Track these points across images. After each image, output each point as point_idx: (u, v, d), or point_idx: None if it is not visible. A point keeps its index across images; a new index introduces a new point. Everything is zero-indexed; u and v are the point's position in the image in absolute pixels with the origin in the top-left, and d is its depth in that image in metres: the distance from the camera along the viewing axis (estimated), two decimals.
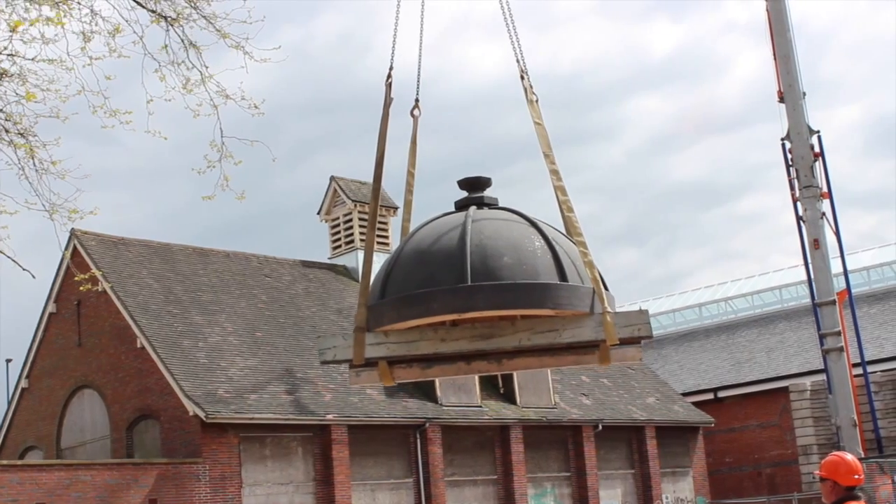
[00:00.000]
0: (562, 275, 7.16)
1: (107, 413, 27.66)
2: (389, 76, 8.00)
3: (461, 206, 7.85)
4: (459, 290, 7.00)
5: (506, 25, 8.25)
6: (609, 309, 7.14)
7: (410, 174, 8.19)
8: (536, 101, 7.94)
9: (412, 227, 7.97)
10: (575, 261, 7.31)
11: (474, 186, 7.99)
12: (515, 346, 7.24)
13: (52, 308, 29.64)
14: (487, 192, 8.05)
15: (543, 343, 7.23)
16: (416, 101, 8.28)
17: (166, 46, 12.58)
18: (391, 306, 7.26)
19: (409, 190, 8.17)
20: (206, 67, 12.59)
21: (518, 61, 8.04)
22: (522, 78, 8.01)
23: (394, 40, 8.27)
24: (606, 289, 7.33)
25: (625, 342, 7.23)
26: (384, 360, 7.39)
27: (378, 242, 33.95)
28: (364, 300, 7.38)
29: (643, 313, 7.15)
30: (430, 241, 7.41)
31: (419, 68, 8.45)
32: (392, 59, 8.10)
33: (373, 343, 7.32)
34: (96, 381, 28.08)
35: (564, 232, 7.69)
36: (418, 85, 8.38)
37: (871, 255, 43.43)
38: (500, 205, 7.86)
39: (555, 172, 7.62)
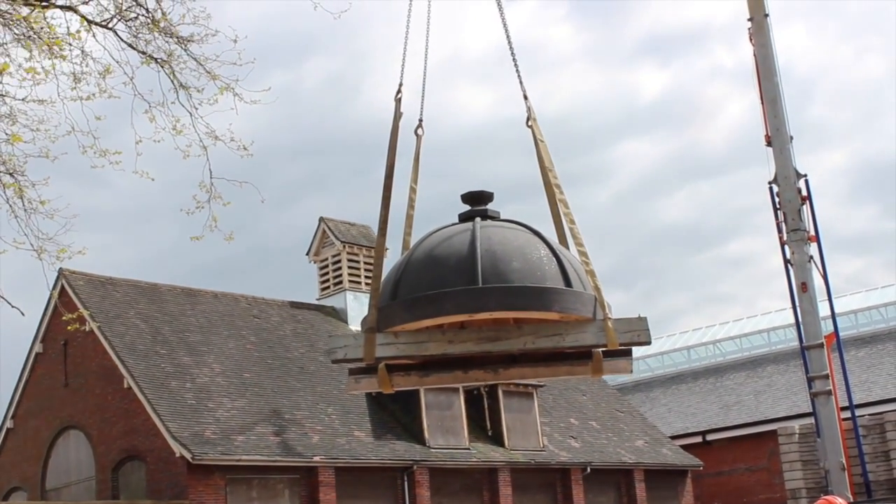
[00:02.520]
0: (567, 281, 7.49)
1: (92, 454, 27.48)
2: (399, 91, 8.43)
3: (465, 218, 8.18)
4: (472, 292, 7.27)
5: (508, 45, 8.69)
6: (610, 315, 7.49)
7: (413, 189, 8.55)
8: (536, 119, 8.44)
9: (412, 240, 8.35)
10: (577, 269, 7.68)
11: (477, 200, 8.33)
12: (521, 348, 7.51)
13: (38, 348, 29.50)
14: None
15: (548, 346, 7.50)
16: (420, 120, 8.72)
17: (154, 90, 12.64)
18: (403, 307, 7.52)
19: (410, 205, 8.53)
20: (196, 109, 12.65)
21: (520, 83, 8.50)
22: (525, 98, 8.48)
23: (404, 56, 8.68)
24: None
25: (616, 354, 7.57)
26: (393, 360, 7.65)
27: (367, 284, 33.92)
28: (375, 301, 7.67)
29: (642, 320, 7.50)
30: (440, 246, 7.70)
31: (423, 88, 8.89)
32: (402, 74, 8.53)
33: (383, 343, 7.55)
34: (82, 422, 27.92)
35: (567, 242, 8.14)
36: (422, 105, 8.82)
37: (859, 299, 43.54)
38: (503, 217, 8.23)
39: (557, 186, 8.10)
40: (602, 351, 7.61)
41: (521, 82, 8.55)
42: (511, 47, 8.67)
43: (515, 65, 8.63)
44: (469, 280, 7.36)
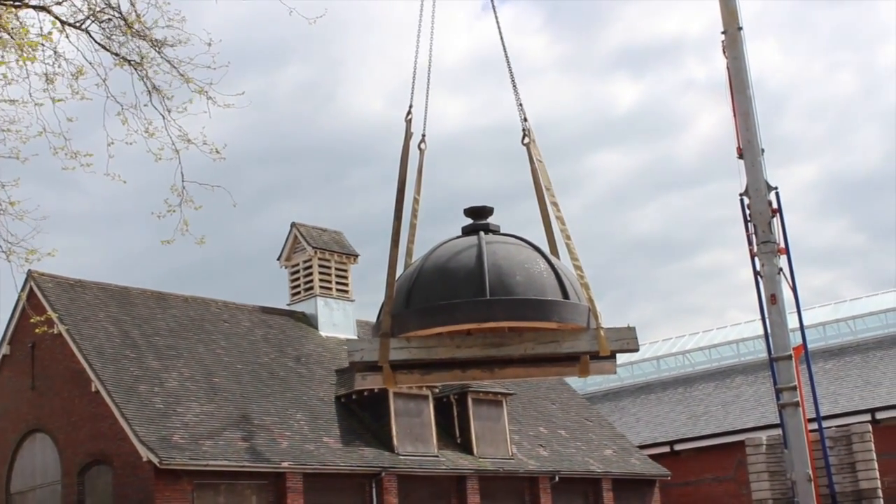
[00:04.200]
0: (564, 293, 8.33)
1: (58, 458, 27.26)
2: (409, 113, 9.19)
3: (468, 231, 8.96)
4: (481, 303, 8.06)
5: (509, 73, 9.47)
6: (602, 324, 8.36)
7: (416, 201, 9.24)
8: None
9: (415, 248, 9.14)
10: (573, 282, 8.52)
11: (479, 214, 9.15)
12: (521, 353, 8.32)
13: (5, 350, 29.24)
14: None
15: (546, 352, 8.33)
16: (423, 136, 9.45)
17: (127, 92, 12.58)
18: (417, 315, 8.26)
19: (414, 215, 9.21)
20: (169, 112, 12.60)
21: (520, 106, 9.34)
22: (525, 120, 9.25)
23: (413, 81, 9.47)
24: None
25: (603, 357, 8.47)
26: (406, 362, 8.38)
27: (338, 290, 33.88)
28: (388, 309, 8.32)
29: (631, 329, 8.42)
30: (449, 259, 8.45)
31: (426, 108, 9.71)
32: (412, 97, 9.35)
33: (396, 347, 8.27)
34: (48, 426, 27.70)
35: (557, 254, 9.02)
36: (425, 122, 9.64)
37: (828, 312, 43.82)
38: (503, 231, 9.04)
39: (555, 204, 8.97)
40: (587, 353, 8.39)
41: (520, 105, 9.27)
42: (512, 77, 9.39)
43: (515, 92, 9.37)
44: (478, 292, 8.12)
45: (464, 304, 8.07)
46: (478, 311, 8.07)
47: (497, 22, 9.64)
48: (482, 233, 8.75)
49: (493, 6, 9.85)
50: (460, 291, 8.14)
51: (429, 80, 9.61)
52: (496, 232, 8.93)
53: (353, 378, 8.71)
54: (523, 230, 9.10)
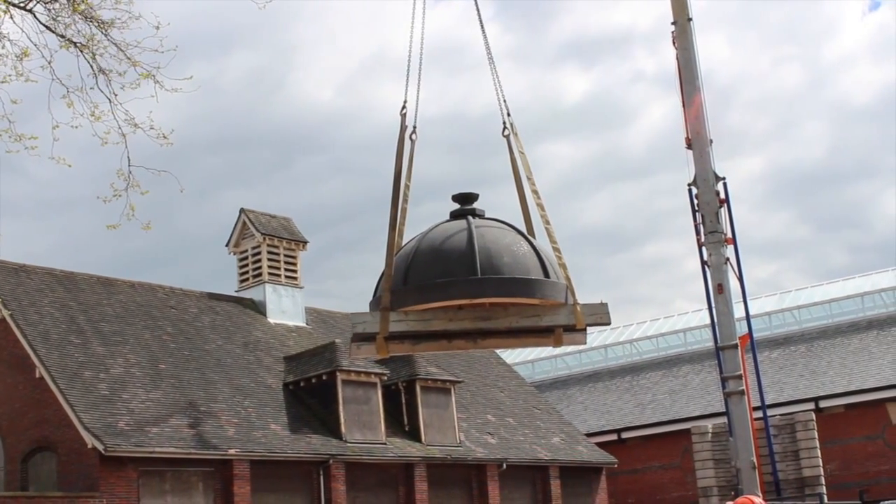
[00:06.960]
0: (545, 273, 9.34)
1: (1, 444, 26.91)
2: (404, 107, 10.16)
3: (456, 215, 9.98)
4: (473, 281, 9.10)
5: (493, 75, 10.56)
6: (578, 301, 9.38)
7: (407, 186, 10.02)
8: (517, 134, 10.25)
9: (406, 229, 10.00)
10: (553, 262, 9.55)
11: (466, 199, 10.13)
12: (507, 326, 9.35)
13: None
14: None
15: (529, 325, 9.36)
16: (414, 127, 10.32)
17: (73, 75, 12.40)
18: (414, 291, 9.24)
19: (404, 199, 9.95)
20: (115, 95, 12.45)
21: (503, 101, 10.34)
22: (508, 115, 10.24)
23: (407, 75, 10.33)
24: None
25: (576, 329, 9.49)
26: (404, 334, 9.32)
27: (287, 276, 33.72)
28: (388, 286, 9.26)
29: (604, 305, 9.56)
30: (443, 242, 9.44)
31: (417, 100, 10.49)
32: (406, 92, 10.26)
33: (395, 320, 9.21)
34: None
35: (534, 236, 9.98)
36: (416, 113, 10.49)
37: (773, 302, 44.28)
38: (488, 215, 10.04)
39: (535, 192, 9.89)
40: (564, 326, 9.39)
41: (504, 101, 10.22)
42: (495, 76, 10.46)
43: (498, 89, 10.37)
44: (470, 272, 9.18)
45: (458, 282, 9.07)
46: (470, 289, 9.07)
47: (483, 31, 10.75)
48: (470, 217, 9.72)
49: (478, 11, 10.88)
50: (454, 271, 9.14)
51: (420, 77, 10.46)
52: (481, 216, 9.87)
53: (349, 348, 9.70)
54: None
